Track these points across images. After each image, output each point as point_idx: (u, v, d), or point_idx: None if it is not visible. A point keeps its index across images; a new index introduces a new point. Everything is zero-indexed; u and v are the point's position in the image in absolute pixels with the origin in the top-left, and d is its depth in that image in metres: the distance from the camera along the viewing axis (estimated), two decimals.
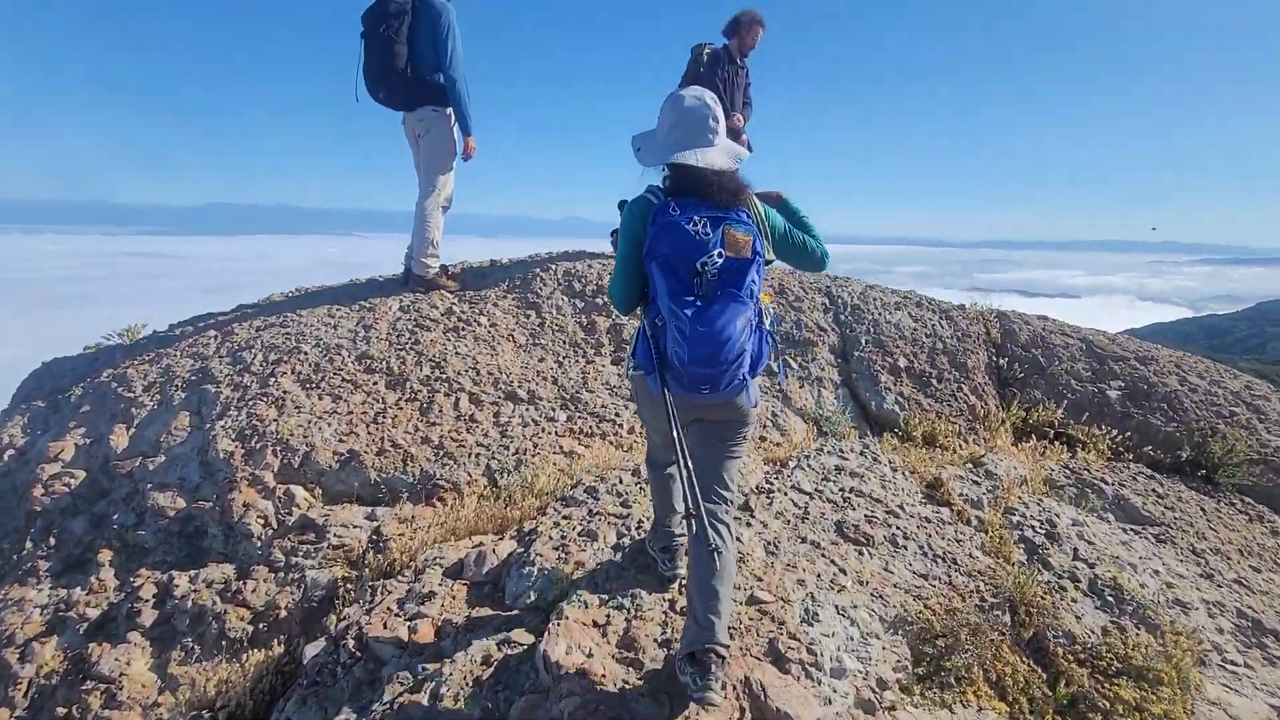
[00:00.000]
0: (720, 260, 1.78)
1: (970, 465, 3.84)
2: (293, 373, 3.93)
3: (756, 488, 3.22)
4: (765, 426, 4.12)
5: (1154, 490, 3.94)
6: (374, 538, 3.14)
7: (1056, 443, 4.42)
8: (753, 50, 5.35)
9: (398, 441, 3.57)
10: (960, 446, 4.15)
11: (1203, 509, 3.93)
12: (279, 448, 3.48)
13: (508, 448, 3.63)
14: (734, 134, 5.38)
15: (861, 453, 3.71)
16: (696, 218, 1.79)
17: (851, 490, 3.26)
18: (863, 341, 4.80)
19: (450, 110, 4.54)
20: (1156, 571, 3.12)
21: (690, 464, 1.69)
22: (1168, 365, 4.96)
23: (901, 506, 3.19)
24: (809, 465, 3.48)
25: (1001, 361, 4.94)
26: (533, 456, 3.59)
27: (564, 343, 4.45)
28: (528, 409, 3.91)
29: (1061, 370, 4.86)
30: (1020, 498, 3.50)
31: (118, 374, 4.14)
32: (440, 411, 3.79)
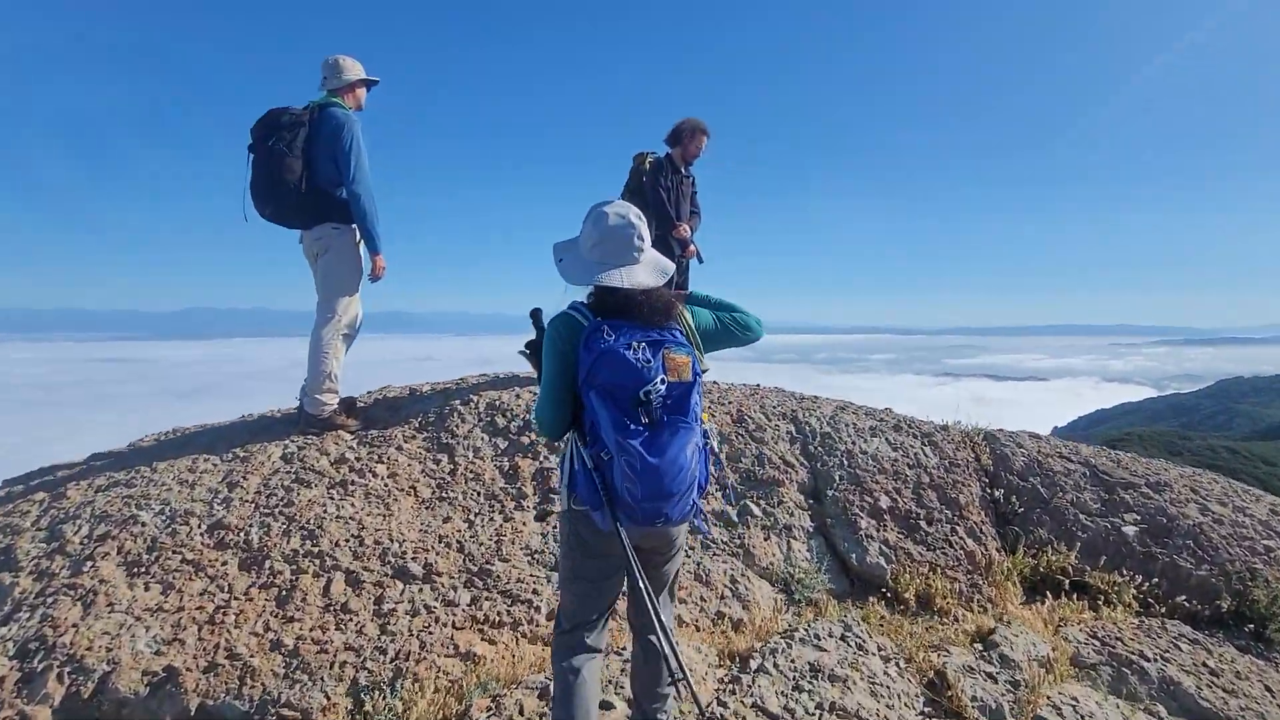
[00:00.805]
0: (664, 387, 1.69)
1: (979, 645, 3.06)
2: (119, 553, 3.09)
3: (708, 713, 2.40)
4: (723, 597, 3.33)
5: (1205, 665, 3.18)
6: None
7: (1074, 595, 3.69)
8: (697, 158, 5.02)
9: (237, 650, 2.70)
10: (963, 612, 3.39)
11: (1268, 687, 3.15)
12: (69, 669, 2.58)
13: (385, 651, 2.77)
14: (682, 244, 4.96)
15: (843, 638, 2.92)
16: (635, 343, 1.70)
17: (832, 707, 2.45)
18: (836, 477, 4.12)
19: (355, 227, 4.01)
20: None
21: (659, 610, 1.67)
22: (1183, 492, 4.34)
23: None
24: (777, 665, 2.68)
25: (997, 493, 4.27)
26: (417, 663, 2.73)
27: (479, 495, 3.68)
28: (420, 590, 3.08)
29: (1066, 502, 4.19)
30: (1049, 698, 2.71)
31: None
32: (304, 600, 2.95)
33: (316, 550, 3.17)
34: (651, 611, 1.66)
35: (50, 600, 2.86)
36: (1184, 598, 3.71)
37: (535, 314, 2.02)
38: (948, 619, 3.37)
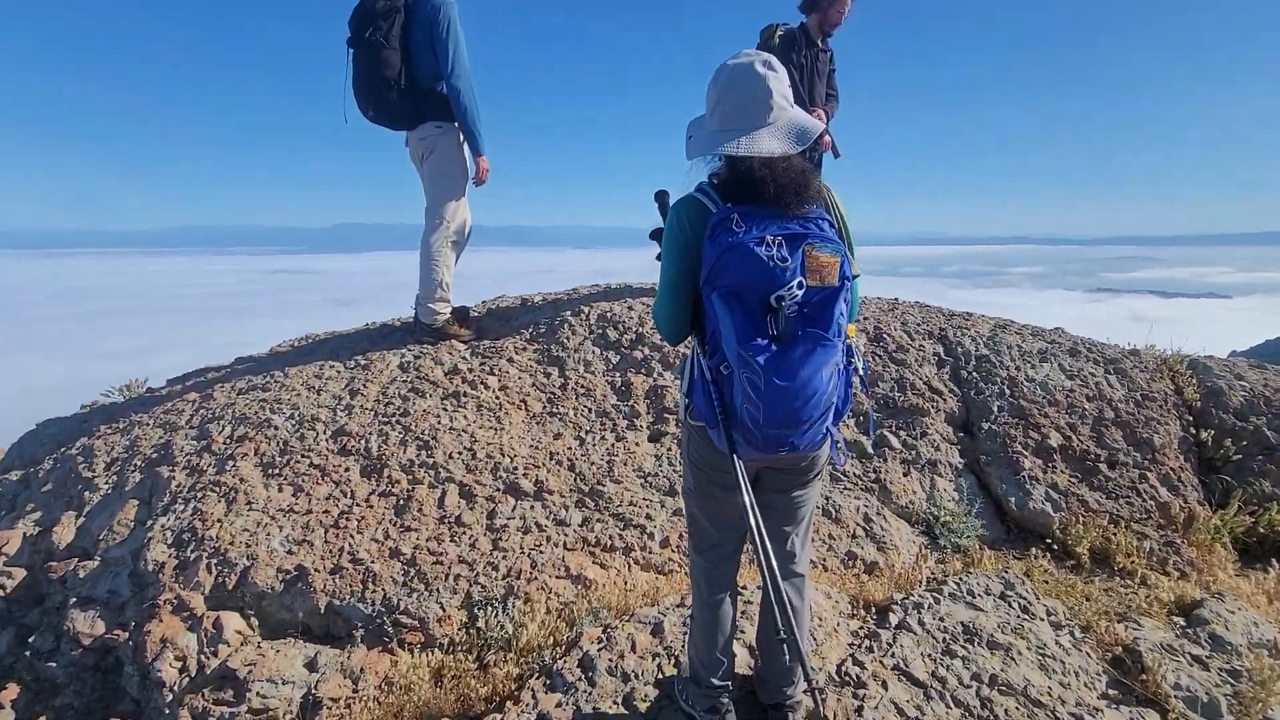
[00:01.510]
0: (800, 292, 1.39)
1: (1180, 619, 2.53)
2: (255, 454, 3.23)
3: (839, 671, 2.12)
4: (855, 537, 2.98)
5: None
6: (304, 706, 2.33)
7: None
8: (838, 28, 4.22)
9: (359, 555, 2.76)
10: (1156, 577, 2.83)
11: None
12: (215, 561, 2.75)
13: (497, 567, 2.72)
14: None
15: (1003, 596, 2.50)
16: (769, 238, 1.38)
17: (992, 680, 2.09)
18: (994, 408, 3.53)
19: (458, 125, 3.76)
20: None
21: (769, 554, 1.42)
22: None
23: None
24: (922, 623, 2.33)
25: (1204, 435, 3.50)
26: (528, 582, 2.66)
27: (590, 411, 3.51)
28: (532, 507, 2.99)
29: None
30: None
31: (87, 445, 3.62)
32: (420, 510, 2.95)
33: (431, 461, 3.16)
34: (760, 554, 1.41)
35: (200, 495, 3.06)
36: None
37: (660, 196, 1.70)
38: (1132, 582, 2.83)
